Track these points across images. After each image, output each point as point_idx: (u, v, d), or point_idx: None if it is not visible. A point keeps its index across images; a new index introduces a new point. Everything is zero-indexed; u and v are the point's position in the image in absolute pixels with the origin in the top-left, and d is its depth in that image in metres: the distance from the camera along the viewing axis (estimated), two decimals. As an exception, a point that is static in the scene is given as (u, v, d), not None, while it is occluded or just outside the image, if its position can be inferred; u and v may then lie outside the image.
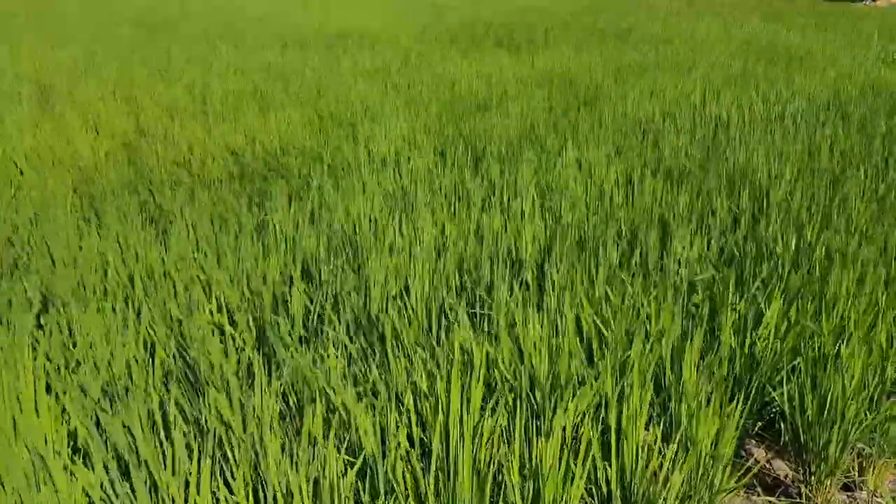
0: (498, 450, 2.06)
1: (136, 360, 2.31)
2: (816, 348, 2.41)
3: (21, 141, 5.16)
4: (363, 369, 2.32)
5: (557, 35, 11.86)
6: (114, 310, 2.66)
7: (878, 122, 5.40)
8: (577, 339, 2.40)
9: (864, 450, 2.36)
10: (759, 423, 2.52)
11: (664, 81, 7.26)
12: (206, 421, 2.05)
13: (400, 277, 2.84)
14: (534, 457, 1.88)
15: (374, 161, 4.60)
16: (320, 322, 2.71)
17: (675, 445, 2.08)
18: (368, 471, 1.97)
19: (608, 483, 2.06)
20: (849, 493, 2.31)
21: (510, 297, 2.66)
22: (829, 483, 2.27)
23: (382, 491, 1.92)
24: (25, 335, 2.40)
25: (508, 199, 3.75)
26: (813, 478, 2.29)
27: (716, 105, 6.19)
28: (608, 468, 2.03)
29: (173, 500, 1.81)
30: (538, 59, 9.09)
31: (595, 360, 2.43)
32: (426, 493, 1.90)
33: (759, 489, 2.31)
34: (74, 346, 2.46)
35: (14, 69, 9.05)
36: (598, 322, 2.51)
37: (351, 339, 2.60)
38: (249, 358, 2.40)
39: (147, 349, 2.48)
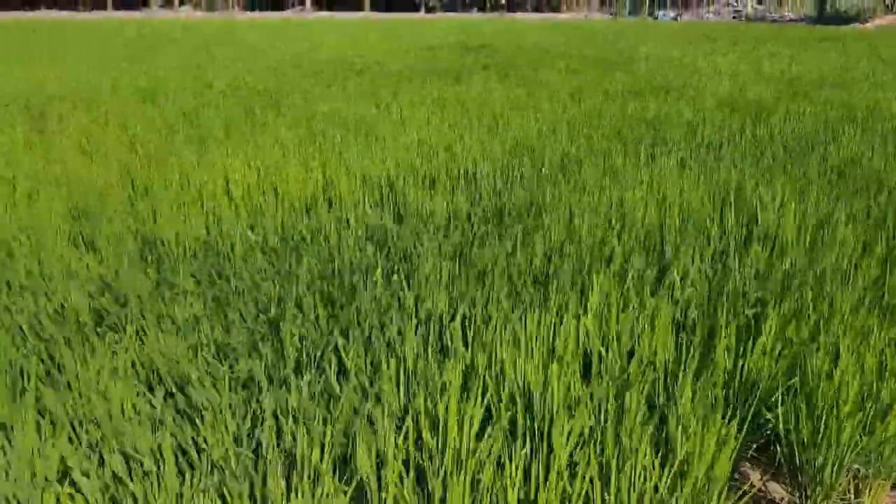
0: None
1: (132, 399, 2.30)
2: (811, 370, 2.41)
3: (16, 162, 5.15)
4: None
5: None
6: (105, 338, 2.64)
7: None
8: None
9: (859, 471, 2.35)
10: (755, 445, 2.51)
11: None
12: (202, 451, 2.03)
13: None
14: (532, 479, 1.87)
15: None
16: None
17: (671, 469, 2.08)
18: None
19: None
20: (845, 516, 2.30)
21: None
22: (825, 505, 2.27)
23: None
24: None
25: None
26: (809, 501, 2.28)
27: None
28: (606, 495, 2.02)
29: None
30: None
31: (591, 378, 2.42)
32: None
33: (755, 512, 2.30)
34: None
35: (10, 90, 9.06)
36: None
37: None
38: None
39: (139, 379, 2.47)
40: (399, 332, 2.50)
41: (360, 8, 49.07)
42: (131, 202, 4.33)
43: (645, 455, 2.00)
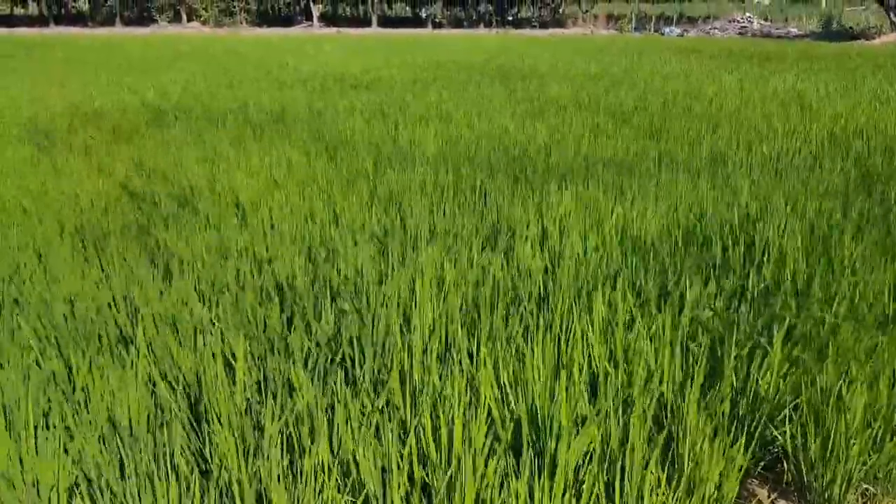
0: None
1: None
2: (819, 387, 2.40)
3: (23, 180, 5.19)
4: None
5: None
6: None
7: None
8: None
9: (868, 489, 2.34)
10: (762, 463, 2.50)
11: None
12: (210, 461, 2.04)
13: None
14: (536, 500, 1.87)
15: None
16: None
17: (678, 487, 2.08)
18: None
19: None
20: (854, 534, 2.29)
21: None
22: (833, 524, 2.25)
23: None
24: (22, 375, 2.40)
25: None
26: (817, 519, 2.27)
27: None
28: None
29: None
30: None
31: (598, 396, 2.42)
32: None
33: (763, 530, 2.29)
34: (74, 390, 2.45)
35: (16, 109, 9.14)
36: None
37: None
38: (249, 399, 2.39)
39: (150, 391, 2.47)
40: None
41: (367, 24, 49.32)
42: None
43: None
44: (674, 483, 2.13)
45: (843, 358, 2.53)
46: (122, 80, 12.59)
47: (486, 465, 1.98)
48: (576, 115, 8.28)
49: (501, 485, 2.03)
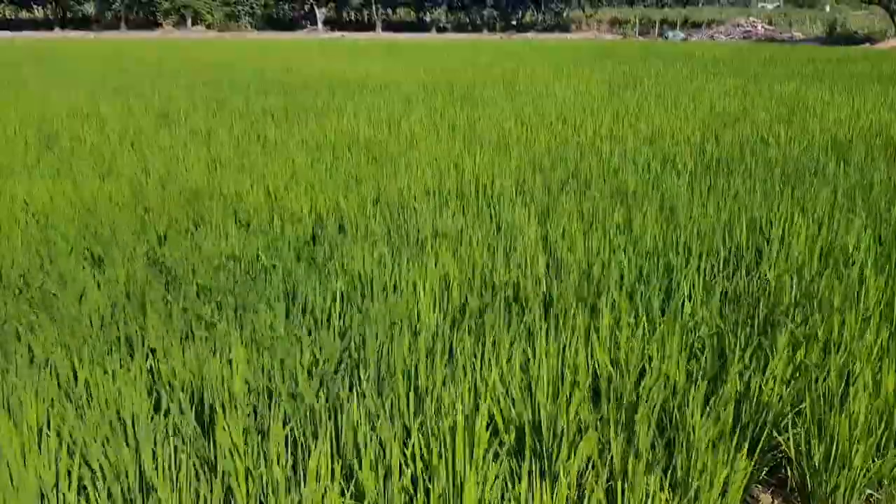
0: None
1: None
2: (822, 393, 2.39)
3: (28, 183, 5.21)
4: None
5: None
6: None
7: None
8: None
9: (871, 495, 2.33)
10: (766, 469, 2.49)
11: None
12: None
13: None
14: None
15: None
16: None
17: (682, 494, 2.07)
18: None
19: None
20: (858, 541, 2.28)
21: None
22: (837, 530, 2.24)
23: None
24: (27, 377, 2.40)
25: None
26: (821, 525, 2.26)
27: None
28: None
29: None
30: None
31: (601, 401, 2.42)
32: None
33: (766, 537, 2.28)
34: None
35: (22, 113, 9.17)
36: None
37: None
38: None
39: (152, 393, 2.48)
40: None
41: (371, 28, 49.48)
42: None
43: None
44: (677, 489, 2.12)
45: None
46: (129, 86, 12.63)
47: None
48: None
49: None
